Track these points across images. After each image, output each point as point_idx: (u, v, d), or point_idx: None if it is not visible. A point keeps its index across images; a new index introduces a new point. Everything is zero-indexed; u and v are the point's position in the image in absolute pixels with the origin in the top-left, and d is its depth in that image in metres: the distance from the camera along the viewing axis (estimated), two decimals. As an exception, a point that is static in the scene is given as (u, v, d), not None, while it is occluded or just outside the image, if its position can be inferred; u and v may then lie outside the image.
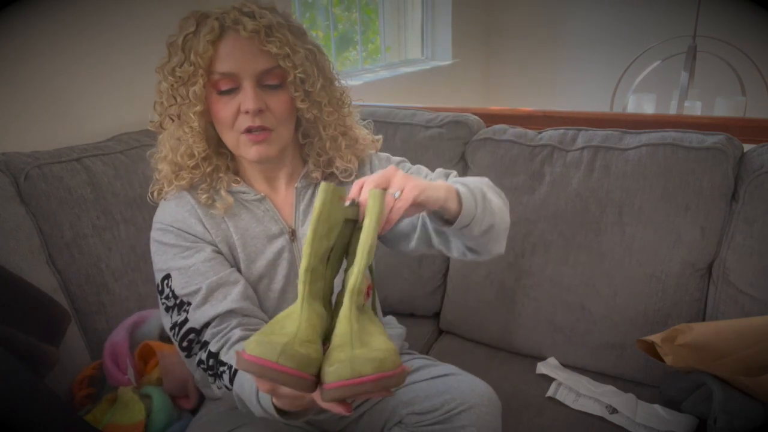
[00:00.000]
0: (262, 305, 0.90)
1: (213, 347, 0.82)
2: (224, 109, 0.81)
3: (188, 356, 0.86)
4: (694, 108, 2.26)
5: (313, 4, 2.55)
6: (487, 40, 3.68)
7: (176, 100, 0.82)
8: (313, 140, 0.91)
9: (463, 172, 1.40)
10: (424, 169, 0.97)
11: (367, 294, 0.68)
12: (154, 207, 1.21)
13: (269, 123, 0.82)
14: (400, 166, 0.98)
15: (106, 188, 1.16)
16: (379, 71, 2.89)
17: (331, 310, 0.69)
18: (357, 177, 0.94)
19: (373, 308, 0.71)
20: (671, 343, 1.02)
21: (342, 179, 0.94)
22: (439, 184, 0.74)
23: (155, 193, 0.91)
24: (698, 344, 1.00)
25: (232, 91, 0.81)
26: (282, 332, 0.60)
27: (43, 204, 1.08)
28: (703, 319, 1.16)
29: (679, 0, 2.98)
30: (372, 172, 0.93)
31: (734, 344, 0.98)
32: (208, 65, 0.79)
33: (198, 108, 0.81)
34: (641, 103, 2.34)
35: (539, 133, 1.35)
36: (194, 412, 1.01)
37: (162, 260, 0.87)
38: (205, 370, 0.84)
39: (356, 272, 0.64)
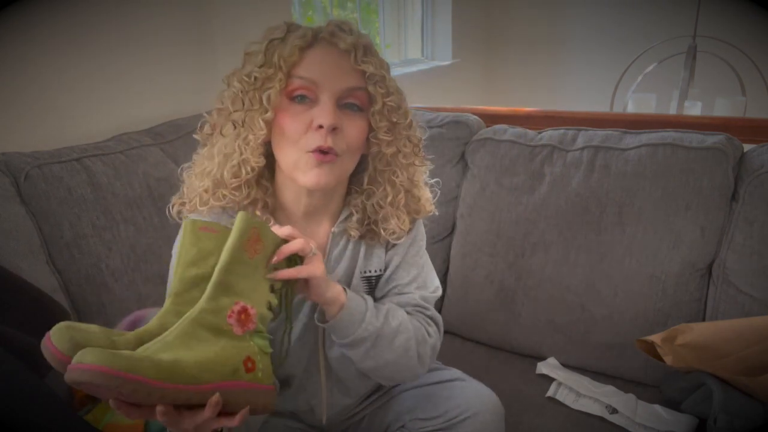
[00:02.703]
0: (275, 347, 0.76)
1: None
2: (294, 121, 0.73)
3: None
4: (694, 108, 2.26)
5: (311, 3, 2.55)
6: (487, 40, 3.67)
7: (244, 105, 0.75)
8: (374, 190, 0.82)
9: (463, 172, 1.40)
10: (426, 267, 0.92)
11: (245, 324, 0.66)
12: (154, 207, 1.21)
13: (339, 148, 0.74)
14: (413, 248, 0.89)
15: (106, 188, 1.15)
16: (379, 71, 2.89)
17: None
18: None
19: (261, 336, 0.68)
20: (671, 343, 1.02)
21: (390, 239, 0.85)
22: (337, 288, 0.76)
23: (175, 207, 0.83)
24: (698, 344, 1.00)
25: (306, 100, 0.74)
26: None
27: (43, 204, 1.08)
28: (703, 319, 1.16)
29: (679, 0, 2.98)
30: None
31: (734, 344, 0.98)
32: (289, 70, 0.73)
33: (268, 115, 0.74)
34: (641, 103, 2.34)
35: (539, 133, 1.35)
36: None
37: None
38: None
39: (205, 296, 0.64)
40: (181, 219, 0.81)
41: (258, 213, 0.77)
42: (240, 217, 0.66)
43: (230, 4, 1.57)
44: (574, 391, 1.15)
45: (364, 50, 0.74)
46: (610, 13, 3.36)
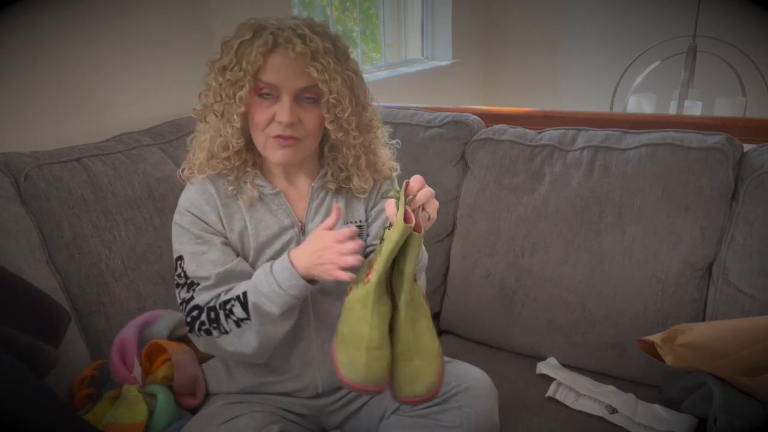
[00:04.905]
0: None
1: (210, 303, 0.92)
2: (261, 113, 0.89)
3: (191, 330, 0.93)
4: (694, 108, 2.26)
5: (311, 3, 2.55)
6: (487, 39, 3.67)
7: (222, 99, 0.89)
8: (336, 155, 0.99)
9: (463, 172, 1.40)
10: None
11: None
12: (153, 207, 1.22)
13: (299, 134, 0.90)
14: None
15: (106, 188, 1.16)
16: (379, 71, 2.89)
17: (390, 293, 0.85)
18: (369, 196, 1.03)
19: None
20: (671, 343, 1.02)
21: (356, 195, 1.01)
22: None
23: (185, 171, 0.99)
24: (698, 344, 1.00)
25: (271, 97, 0.89)
26: (360, 345, 0.79)
27: (43, 204, 1.08)
28: (703, 319, 1.16)
29: (679, 0, 2.98)
30: (377, 197, 1.04)
31: (734, 344, 0.98)
32: (255, 73, 0.87)
33: (241, 109, 0.89)
34: (641, 103, 2.34)
35: (539, 133, 1.35)
36: (196, 411, 1.02)
37: (178, 242, 0.96)
38: (208, 331, 0.90)
39: (406, 287, 0.81)
40: (188, 181, 0.99)
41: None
42: (402, 230, 0.79)
43: (230, 4, 1.57)
44: (574, 391, 1.15)
45: (312, 55, 0.86)
46: (610, 13, 3.36)
